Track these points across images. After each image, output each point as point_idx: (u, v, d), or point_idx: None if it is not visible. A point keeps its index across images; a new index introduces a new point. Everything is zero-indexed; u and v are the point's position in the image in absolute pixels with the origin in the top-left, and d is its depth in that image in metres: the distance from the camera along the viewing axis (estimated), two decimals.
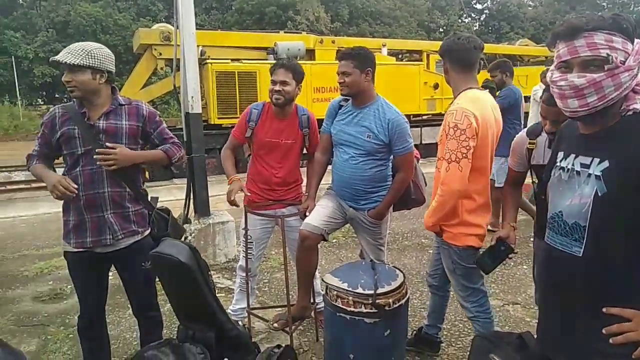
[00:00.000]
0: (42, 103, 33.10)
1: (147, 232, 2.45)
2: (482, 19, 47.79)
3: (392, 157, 2.77)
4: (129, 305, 2.62)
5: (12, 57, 29.02)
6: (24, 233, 5.98)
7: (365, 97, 2.72)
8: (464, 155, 2.18)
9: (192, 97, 4.48)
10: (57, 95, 32.74)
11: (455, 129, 2.18)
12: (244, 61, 11.00)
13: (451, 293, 2.77)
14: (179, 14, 4.38)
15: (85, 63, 2.18)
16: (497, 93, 5.04)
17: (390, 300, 2.23)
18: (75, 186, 2.20)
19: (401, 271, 2.45)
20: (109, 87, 2.34)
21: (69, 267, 2.42)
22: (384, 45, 12.80)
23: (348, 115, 2.77)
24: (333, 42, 12.65)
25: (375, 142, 2.66)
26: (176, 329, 2.23)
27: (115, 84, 2.42)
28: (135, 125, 2.35)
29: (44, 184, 2.31)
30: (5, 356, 1.19)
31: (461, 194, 2.26)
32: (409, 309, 2.51)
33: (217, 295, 2.17)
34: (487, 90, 5.40)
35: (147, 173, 8.85)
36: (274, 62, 3.30)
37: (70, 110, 2.30)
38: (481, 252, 2.37)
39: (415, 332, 2.96)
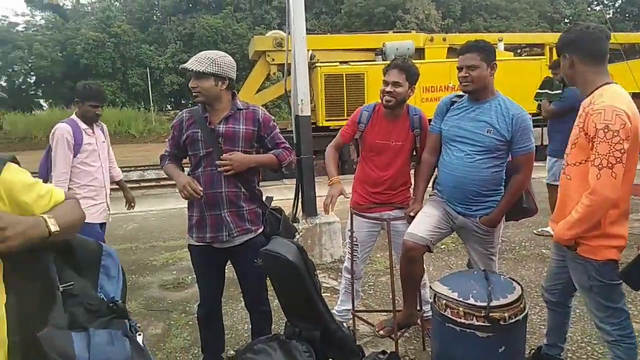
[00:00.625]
0: (170, 109, 36.77)
1: (260, 230, 2.55)
2: (616, 5, 42.77)
3: (508, 159, 2.57)
4: (242, 299, 2.77)
5: (147, 68, 32.64)
6: (153, 226, 6.65)
7: (487, 92, 2.55)
8: (617, 159, 1.91)
9: (302, 100, 4.61)
10: (183, 102, 36.10)
11: (606, 130, 1.91)
12: (352, 63, 11.11)
13: (576, 310, 2.49)
14: (291, 20, 4.53)
15: (209, 70, 2.33)
16: (559, 93, 4.90)
17: (506, 315, 2.07)
18: (201, 189, 2.36)
19: (518, 283, 2.26)
20: (230, 92, 2.47)
21: (191, 258, 2.62)
22: (500, 40, 12.05)
23: (463, 111, 2.61)
24: (444, 39, 12.23)
25: (496, 137, 2.48)
26: (284, 325, 2.29)
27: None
28: (251, 130, 2.46)
29: (172, 182, 2.52)
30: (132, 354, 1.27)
31: (613, 202, 1.99)
32: (528, 325, 2.30)
33: (322, 294, 2.19)
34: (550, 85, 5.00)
35: (260, 174, 9.35)
36: (382, 63, 3.24)
37: (195, 114, 2.47)
38: (626, 265, 2.08)
39: (533, 350, 2.70)
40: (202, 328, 2.68)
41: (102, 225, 3.57)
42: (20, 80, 34.63)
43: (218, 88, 2.38)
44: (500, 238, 2.80)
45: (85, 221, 1.38)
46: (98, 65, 32.20)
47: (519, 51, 13.29)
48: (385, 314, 3.29)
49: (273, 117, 2.61)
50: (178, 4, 35.78)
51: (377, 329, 2.88)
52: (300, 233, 4.64)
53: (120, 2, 38.85)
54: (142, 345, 1.37)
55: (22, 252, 1.14)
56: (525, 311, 2.17)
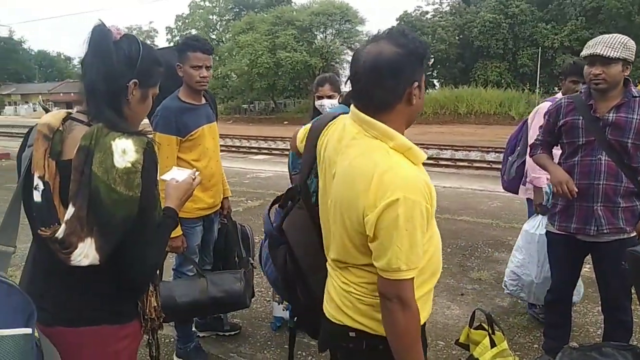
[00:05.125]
0: (557, 91, 34.46)
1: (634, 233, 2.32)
2: None
3: None
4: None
5: (539, 48, 31.51)
6: (517, 209, 6.62)
7: None
8: None
9: None
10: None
11: None
12: None
13: None
14: None
15: (621, 56, 2.18)
16: None
17: None
18: (576, 191, 2.25)
19: None
20: (624, 79, 2.28)
21: (548, 244, 2.63)
22: None
23: None
24: None
25: None
26: None
27: None
28: None
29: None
30: None
31: None
32: None
33: None
34: None
35: None
36: None
37: (577, 101, 2.40)
38: None
39: None
40: (547, 312, 2.70)
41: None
42: None
43: (623, 74, 2.24)
44: None
45: None
46: (490, 46, 33.34)
47: None
48: None
49: None
50: None
51: None
52: None
53: None
54: None
55: None
56: None
